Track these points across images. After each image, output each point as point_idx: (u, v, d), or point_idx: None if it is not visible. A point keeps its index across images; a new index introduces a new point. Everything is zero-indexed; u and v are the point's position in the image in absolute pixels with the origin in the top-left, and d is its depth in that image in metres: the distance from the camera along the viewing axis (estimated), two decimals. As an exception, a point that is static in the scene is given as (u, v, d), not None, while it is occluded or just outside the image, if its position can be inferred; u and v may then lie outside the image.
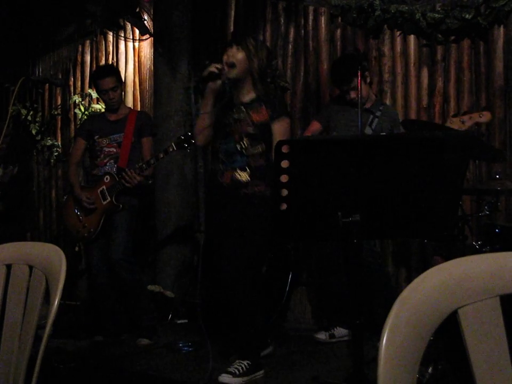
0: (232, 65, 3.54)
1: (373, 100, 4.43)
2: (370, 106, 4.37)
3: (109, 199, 4.55)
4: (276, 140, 3.48)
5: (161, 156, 4.37)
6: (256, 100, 3.62)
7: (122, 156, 4.60)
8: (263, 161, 3.62)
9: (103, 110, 6.08)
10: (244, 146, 3.58)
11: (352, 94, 4.29)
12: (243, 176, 3.58)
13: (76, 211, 4.67)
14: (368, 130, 4.29)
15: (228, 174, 3.61)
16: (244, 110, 3.61)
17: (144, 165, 4.43)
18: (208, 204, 3.84)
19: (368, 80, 4.36)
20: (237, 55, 3.56)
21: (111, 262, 4.54)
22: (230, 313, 3.73)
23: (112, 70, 4.85)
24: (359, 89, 4.06)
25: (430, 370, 2.88)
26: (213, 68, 3.51)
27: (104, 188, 4.57)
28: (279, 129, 3.59)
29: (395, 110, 4.65)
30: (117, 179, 4.53)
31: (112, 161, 4.63)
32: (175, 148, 4.29)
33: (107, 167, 4.63)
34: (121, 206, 4.54)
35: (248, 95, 3.65)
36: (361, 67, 4.17)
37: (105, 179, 4.59)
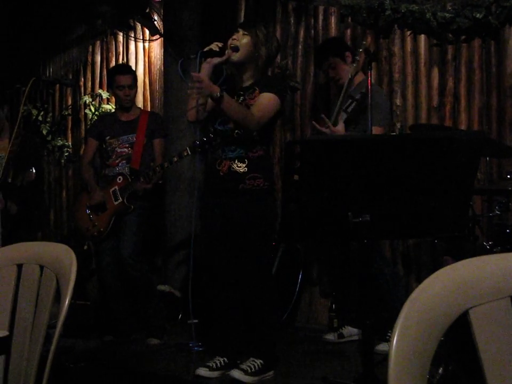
0: (235, 49, 3.52)
1: (355, 83, 4.30)
2: (352, 90, 4.26)
3: (121, 199, 4.55)
4: (252, 109, 3.49)
5: (175, 159, 4.36)
6: (254, 85, 3.61)
7: (134, 156, 4.61)
8: (261, 152, 3.61)
9: (113, 110, 6.11)
10: (241, 132, 3.56)
11: (330, 73, 4.41)
12: (241, 167, 3.58)
13: (87, 209, 4.68)
14: (343, 115, 4.17)
15: (226, 163, 3.61)
16: (242, 94, 3.60)
17: (157, 167, 4.43)
18: (203, 192, 3.80)
19: (349, 60, 4.31)
20: (242, 39, 3.55)
21: (120, 260, 4.55)
22: (234, 312, 3.75)
23: (132, 70, 4.99)
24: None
25: (440, 370, 2.87)
26: (214, 46, 3.50)
27: (117, 188, 4.57)
28: (258, 101, 3.52)
29: (380, 90, 4.47)
30: (130, 180, 4.54)
31: (124, 161, 4.64)
32: (189, 152, 4.26)
33: (119, 168, 4.64)
34: (132, 207, 4.55)
35: (249, 81, 3.64)
36: (337, 46, 4.41)
37: (118, 179, 4.60)
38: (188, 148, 4.27)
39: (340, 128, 4.05)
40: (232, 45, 3.53)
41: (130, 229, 4.56)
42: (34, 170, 4.38)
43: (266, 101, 3.53)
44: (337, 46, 4.48)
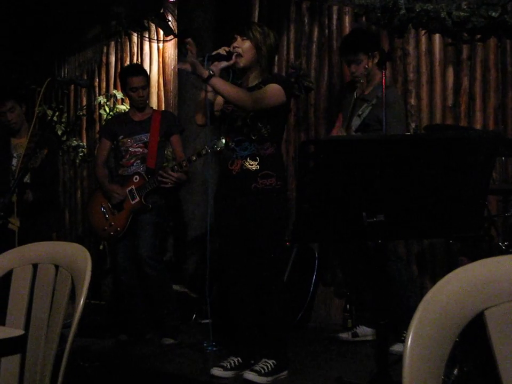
0: (238, 55, 3.58)
1: (374, 85, 4.20)
2: (368, 93, 4.20)
3: (138, 198, 4.55)
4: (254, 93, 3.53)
5: (194, 158, 4.34)
6: (261, 83, 3.64)
7: (150, 156, 4.61)
8: (272, 149, 3.63)
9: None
10: (250, 130, 3.59)
11: (352, 68, 4.21)
12: (253, 165, 3.60)
13: (102, 209, 4.67)
14: (355, 121, 4.11)
15: (238, 162, 3.63)
16: None
17: (176, 166, 4.42)
18: (216, 192, 3.80)
19: (375, 60, 4.16)
20: (242, 45, 3.59)
21: (137, 259, 4.56)
22: (249, 313, 3.75)
23: (143, 69, 4.97)
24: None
25: (455, 372, 2.85)
26: (222, 50, 3.56)
27: (133, 188, 4.57)
28: (263, 89, 3.55)
29: (396, 93, 4.31)
30: (147, 179, 4.54)
31: (138, 161, 4.64)
32: (208, 151, 4.23)
33: (134, 167, 4.64)
34: (150, 206, 4.55)
35: (255, 81, 3.67)
36: (369, 44, 4.18)
37: (134, 179, 4.59)
38: (206, 147, 4.23)
39: None
40: (236, 53, 3.58)
41: (148, 229, 4.56)
42: (45, 149, 4.34)
43: (268, 88, 3.57)
44: (371, 44, 4.24)
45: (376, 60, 4.16)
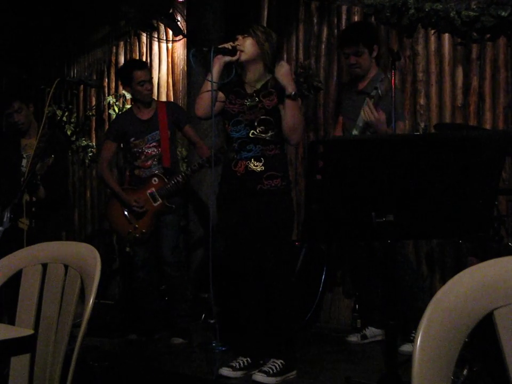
0: (241, 51, 3.61)
1: (370, 77, 4.23)
2: (365, 86, 4.22)
3: (160, 200, 4.54)
4: (284, 118, 3.57)
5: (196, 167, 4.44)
6: (267, 85, 3.66)
7: (165, 155, 4.60)
8: (277, 150, 3.64)
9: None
10: (256, 133, 3.60)
11: (351, 59, 4.22)
12: (258, 166, 3.60)
13: (125, 213, 4.63)
14: (359, 121, 4.09)
15: (242, 163, 3.63)
16: (256, 96, 3.64)
17: (182, 174, 4.47)
18: (220, 193, 3.79)
19: (374, 54, 4.22)
20: (243, 42, 3.62)
21: (159, 259, 4.56)
22: (255, 313, 3.76)
23: (146, 63, 4.95)
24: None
25: (465, 372, 2.85)
26: (228, 45, 3.59)
27: (154, 190, 4.57)
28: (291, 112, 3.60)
29: (389, 83, 4.17)
30: (166, 180, 4.54)
31: (156, 162, 4.63)
32: (207, 164, 4.32)
33: (152, 169, 4.62)
34: (173, 207, 4.56)
35: (260, 81, 3.69)
36: (370, 36, 4.22)
37: (153, 181, 4.58)
38: (205, 159, 4.35)
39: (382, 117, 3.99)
40: (238, 49, 3.61)
41: (171, 230, 4.57)
42: (51, 158, 4.34)
43: (298, 109, 3.67)
44: (371, 36, 4.31)
45: (375, 54, 4.23)
